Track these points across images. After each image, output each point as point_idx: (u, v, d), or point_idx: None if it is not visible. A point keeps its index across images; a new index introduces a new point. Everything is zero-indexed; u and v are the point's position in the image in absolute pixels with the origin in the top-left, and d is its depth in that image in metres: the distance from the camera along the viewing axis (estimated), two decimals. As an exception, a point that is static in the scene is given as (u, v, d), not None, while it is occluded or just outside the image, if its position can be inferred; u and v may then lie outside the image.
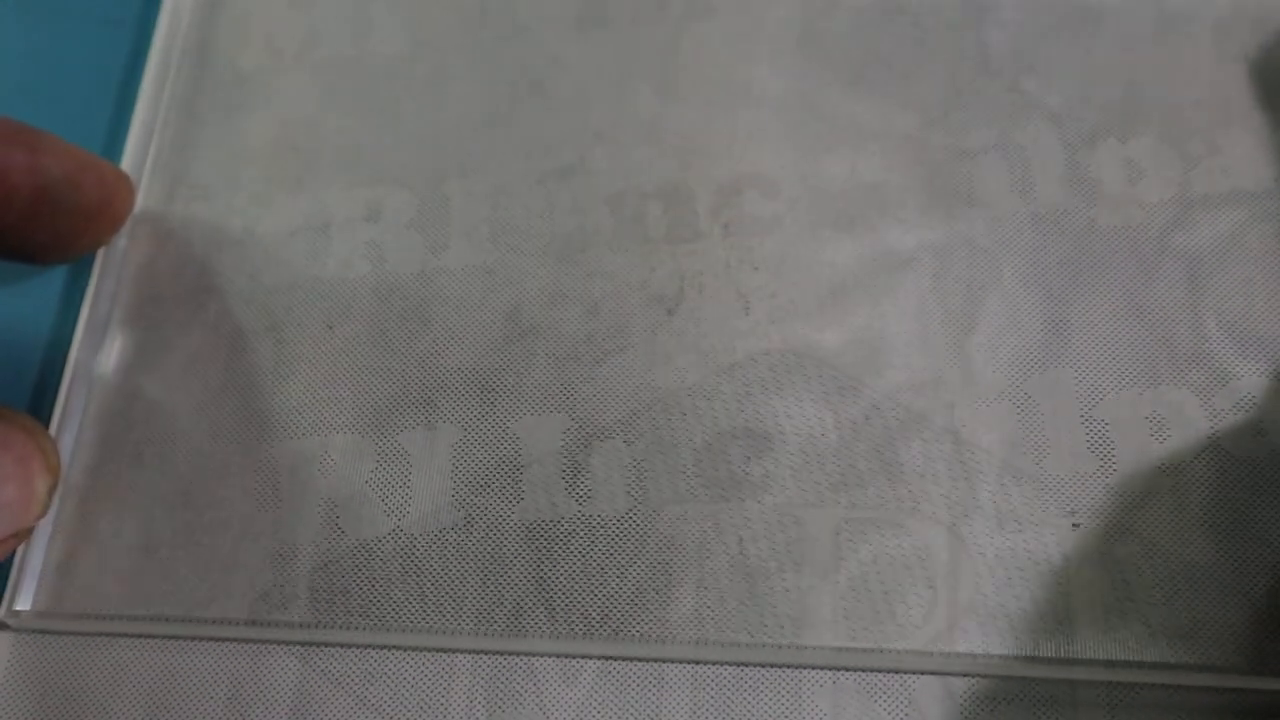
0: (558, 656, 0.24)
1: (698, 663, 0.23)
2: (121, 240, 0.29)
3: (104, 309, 0.28)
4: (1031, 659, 0.23)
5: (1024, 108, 0.28)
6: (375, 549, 0.25)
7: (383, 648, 0.24)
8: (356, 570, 0.25)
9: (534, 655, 0.24)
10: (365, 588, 0.25)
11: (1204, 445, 0.24)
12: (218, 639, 0.25)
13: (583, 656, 0.24)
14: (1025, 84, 0.28)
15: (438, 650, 0.24)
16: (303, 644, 0.24)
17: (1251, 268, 0.25)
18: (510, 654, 0.24)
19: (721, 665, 0.23)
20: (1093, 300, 0.26)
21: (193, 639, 0.25)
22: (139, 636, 0.25)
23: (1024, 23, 0.28)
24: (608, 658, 0.24)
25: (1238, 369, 0.25)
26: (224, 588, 0.25)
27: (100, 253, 0.29)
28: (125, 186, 0.28)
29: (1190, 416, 0.24)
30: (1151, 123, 0.27)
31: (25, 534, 0.24)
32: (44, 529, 0.26)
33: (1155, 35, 0.28)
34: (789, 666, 0.23)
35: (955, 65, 0.28)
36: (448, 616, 0.24)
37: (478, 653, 0.24)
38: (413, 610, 0.24)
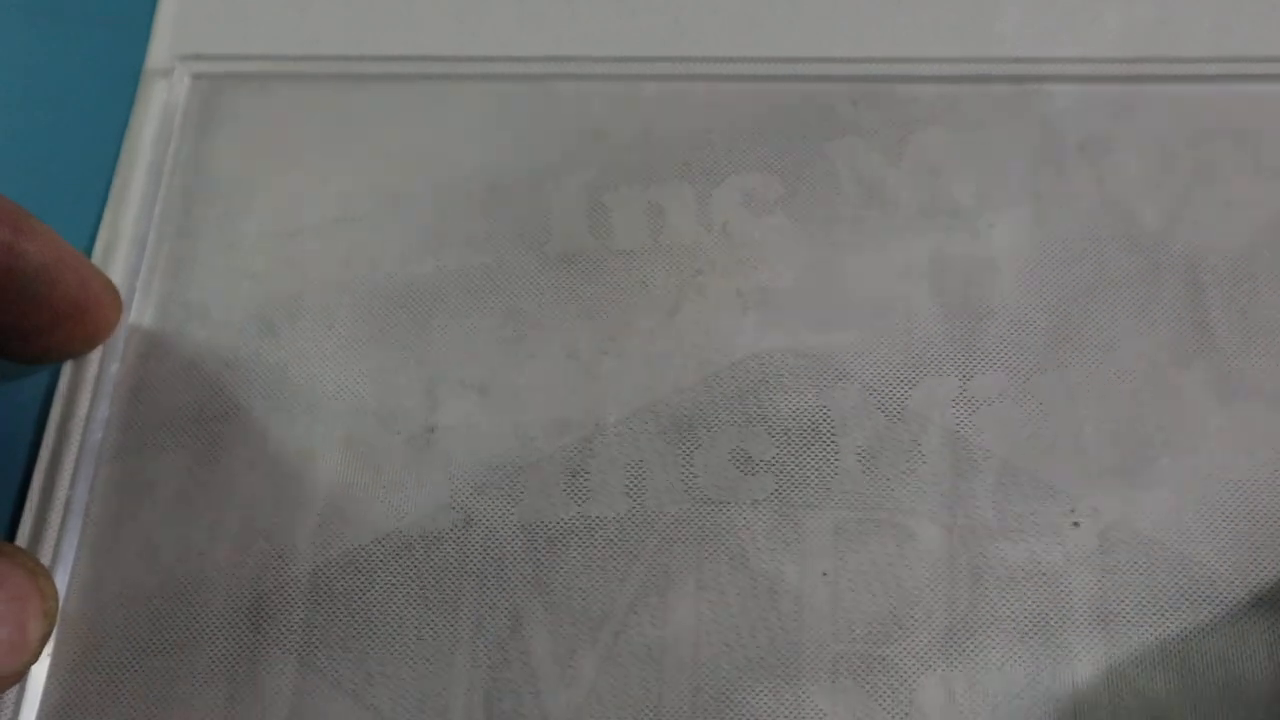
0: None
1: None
2: (114, 364, 0.27)
3: (95, 436, 0.26)
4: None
5: (1025, 107, 0.28)
6: (374, 551, 0.25)
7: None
8: (355, 573, 0.25)
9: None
10: (364, 590, 0.25)
11: (1207, 444, 0.24)
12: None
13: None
14: (1027, 83, 0.28)
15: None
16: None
17: (1253, 265, 0.26)
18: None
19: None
20: (1094, 299, 0.26)
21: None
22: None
23: (1028, 24, 0.29)
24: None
25: (1241, 367, 0.25)
26: (222, 594, 0.25)
27: (92, 376, 0.27)
28: (109, 299, 0.26)
29: (1193, 415, 0.24)
30: (1150, 122, 0.27)
31: (12, 680, 0.23)
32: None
33: (1154, 35, 0.28)
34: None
35: (957, 65, 0.28)
36: (447, 618, 0.24)
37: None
38: (412, 612, 0.24)
